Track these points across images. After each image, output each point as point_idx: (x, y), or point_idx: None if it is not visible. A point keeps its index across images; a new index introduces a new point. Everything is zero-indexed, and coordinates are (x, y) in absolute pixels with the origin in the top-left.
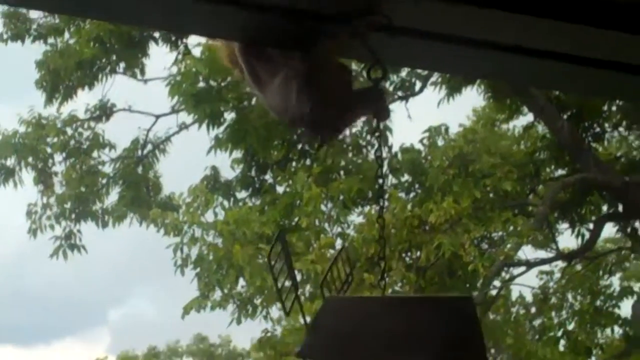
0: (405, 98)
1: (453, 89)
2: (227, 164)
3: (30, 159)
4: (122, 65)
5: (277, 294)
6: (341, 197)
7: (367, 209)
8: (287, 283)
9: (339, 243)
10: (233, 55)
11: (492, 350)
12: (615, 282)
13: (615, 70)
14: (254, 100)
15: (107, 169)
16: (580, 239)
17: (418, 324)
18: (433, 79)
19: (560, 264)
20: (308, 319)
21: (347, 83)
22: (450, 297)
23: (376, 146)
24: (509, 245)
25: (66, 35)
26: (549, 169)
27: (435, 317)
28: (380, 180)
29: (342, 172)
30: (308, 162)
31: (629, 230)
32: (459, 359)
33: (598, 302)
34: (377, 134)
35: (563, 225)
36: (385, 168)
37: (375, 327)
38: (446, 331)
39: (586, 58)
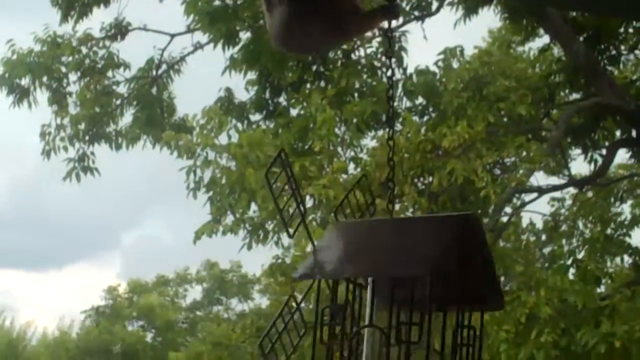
0: (421, 18)
1: (470, 10)
2: (242, 86)
3: (44, 79)
4: None
5: (278, 216)
6: (355, 120)
7: (380, 132)
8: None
9: (352, 167)
10: None
11: (502, 278)
12: (626, 210)
13: None
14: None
15: (122, 89)
16: (592, 164)
17: (422, 240)
18: None
19: (572, 190)
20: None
21: None
22: (454, 215)
23: (387, 65)
24: (521, 171)
25: None
26: (563, 92)
27: (439, 233)
28: (391, 103)
29: (356, 95)
30: (322, 84)
31: None
32: (463, 273)
33: (609, 230)
34: (388, 54)
35: (576, 151)
36: (399, 90)
37: (380, 244)
38: (450, 246)
39: None
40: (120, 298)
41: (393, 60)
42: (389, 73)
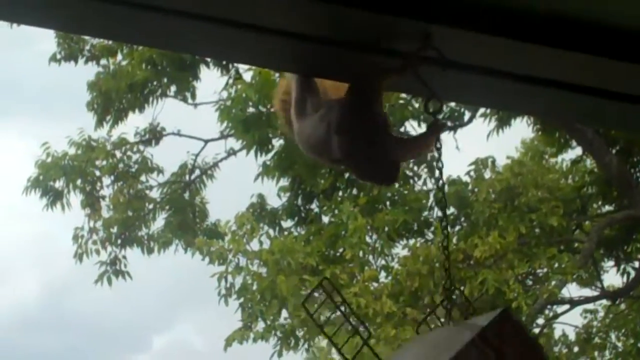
0: (453, 128)
1: (502, 121)
2: (274, 192)
3: (78, 182)
4: (172, 88)
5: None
6: (386, 229)
7: (412, 241)
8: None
9: (382, 276)
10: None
11: None
12: None
13: None
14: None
15: (155, 193)
16: (625, 277)
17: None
18: (482, 110)
19: (605, 302)
20: None
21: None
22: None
23: (436, 176)
24: (553, 283)
25: (119, 56)
26: (596, 204)
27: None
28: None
29: (387, 203)
30: (354, 191)
31: None
32: None
33: None
34: (438, 164)
35: (608, 263)
36: (430, 199)
37: None
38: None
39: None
40: None
41: (437, 170)
42: (440, 183)
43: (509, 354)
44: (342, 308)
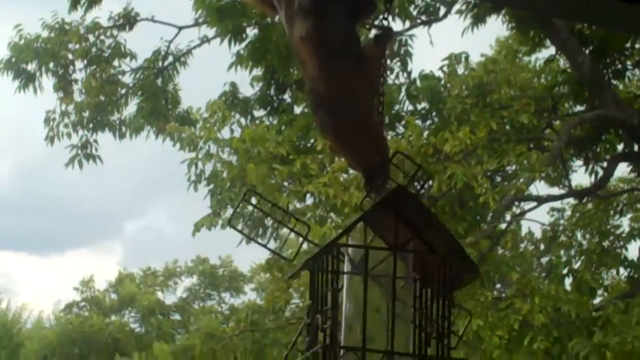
0: (428, 23)
1: (477, 18)
2: (247, 81)
3: (51, 65)
4: None
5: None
6: None
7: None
8: None
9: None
10: None
11: (498, 285)
12: (625, 222)
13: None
14: (277, 19)
15: (127, 79)
16: (593, 176)
17: None
18: (457, 6)
19: (572, 201)
20: None
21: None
22: None
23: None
24: (521, 180)
25: None
26: (567, 104)
27: None
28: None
29: None
30: None
31: None
32: None
33: (606, 243)
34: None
35: (577, 163)
36: (402, 93)
37: None
38: None
39: None
40: (99, 290)
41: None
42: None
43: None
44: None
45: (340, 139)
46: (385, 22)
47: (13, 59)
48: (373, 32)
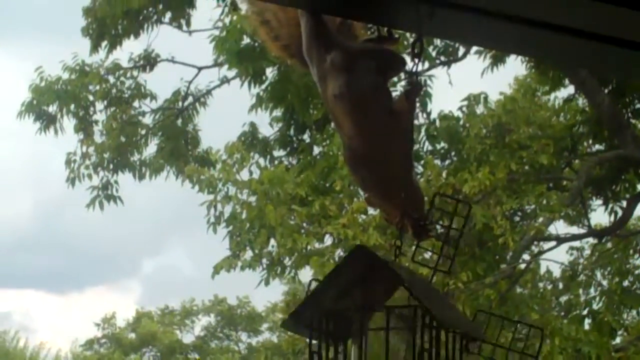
0: (447, 63)
1: (497, 59)
2: (266, 121)
3: (72, 107)
4: (168, 15)
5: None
6: None
7: None
8: None
9: (371, 208)
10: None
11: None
12: None
13: None
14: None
15: (147, 120)
16: (612, 216)
17: None
18: (476, 47)
19: (591, 240)
20: None
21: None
22: None
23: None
24: (540, 220)
25: None
26: (586, 143)
27: None
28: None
29: None
30: None
31: None
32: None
33: (626, 282)
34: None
35: (596, 202)
36: (421, 134)
37: None
38: None
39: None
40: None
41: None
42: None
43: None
44: None
45: (379, 192)
46: (414, 77)
47: (34, 101)
48: (403, 85)
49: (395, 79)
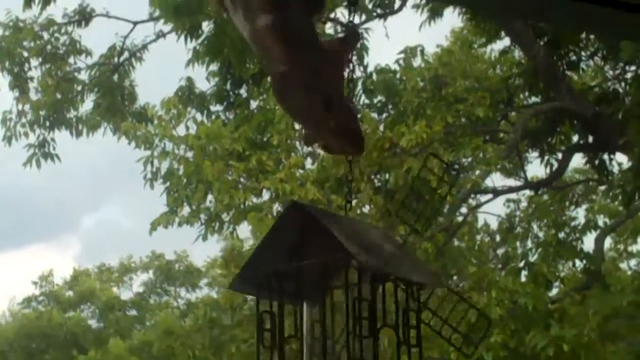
0: (383, 16)
1: (434, 12)
2: (203, 76)
3: (6, 64)
4: None
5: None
6: None
7: None
8: None
9: (308, 162)
10: None
11: (455, 277)
12: (581, 214)
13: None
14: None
15: (83, 76)
16: (548, 168)
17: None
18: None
19: (528, 192)
20: None
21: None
22: None
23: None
24: (477, 172)
25: None
26: (522, 95)
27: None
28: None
29: None
30: None
31: (597, 162)
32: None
33: (562, 234)
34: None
35: (532, 154)
36: (358, 87)
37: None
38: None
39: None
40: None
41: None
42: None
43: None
44: None
45: (308, 122)
46: (351, 24)
47: None
48: (339, 33)
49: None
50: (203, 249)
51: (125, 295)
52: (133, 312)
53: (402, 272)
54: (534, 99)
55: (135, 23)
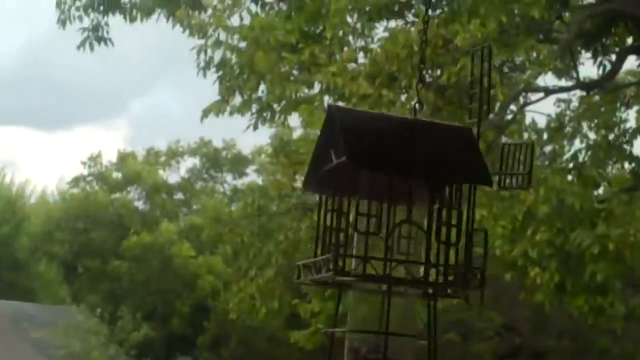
0: None
1: None
2: None
3: None
4: None
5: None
6: (367, 9)
7: (392, 23)
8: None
9: (361, 57)
10: None
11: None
12: (632, 116)
13: None
14: None
15: None
16: (601, 69)
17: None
18: None
19: (579, 93)
20: None
21: None
22: (452, 126)
23: None
24: (529, 72)
25: None
26: None
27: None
28: None
29: None
30: None
31: None
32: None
33: (612, 136)
34: None
35: (585, 55)
36: None
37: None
38: (446, 154)
39: None
40: (106, 166)
41: None
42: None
43: None
44: None
45: None
46: None
47: None
48: None
49: None
50: (250, 139)
51: (172, 179)
52: (179, 196)
53: (459, 177)
54: (589, 0)
55: None
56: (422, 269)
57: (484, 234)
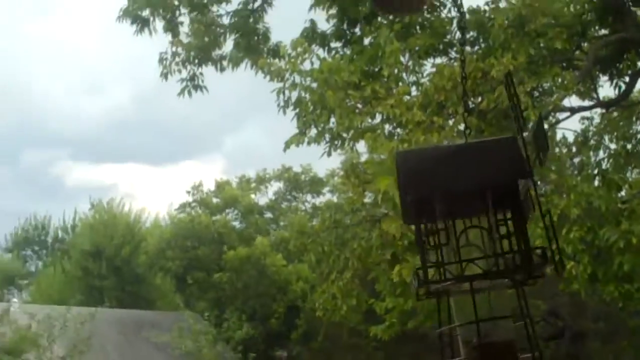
0: None
1: None
2: (324, 18)
3: (160, 11)
4: None
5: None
6: (417, 49)
7: (438, 60)
8: None
9: (414, 90)
10: None
11: (539, 183)
12: None
13: None
14: None
15: (224, 20)
16: (617, 90)
17: (470, 165)
18: None
19: (600, 111)
20: None
21: None
22: (497, 138)
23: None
24: (556, 95)
25: None
26: (593, 29)
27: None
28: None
29: (418, 28)
30: (391, 18)
31: None
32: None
33: (629, 146)
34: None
35: (603, 79)
36: (453, 26)
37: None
38: (494, 169)
39: None
40: (207, 193)
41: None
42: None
43: None
44: None
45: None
46: None
47: (130, 8)
48: None
49: None
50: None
51: (262, 201)
52: (268, 215)
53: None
54: (603, 31)
55: None
56: (501, 262)
57: (548, 216)
